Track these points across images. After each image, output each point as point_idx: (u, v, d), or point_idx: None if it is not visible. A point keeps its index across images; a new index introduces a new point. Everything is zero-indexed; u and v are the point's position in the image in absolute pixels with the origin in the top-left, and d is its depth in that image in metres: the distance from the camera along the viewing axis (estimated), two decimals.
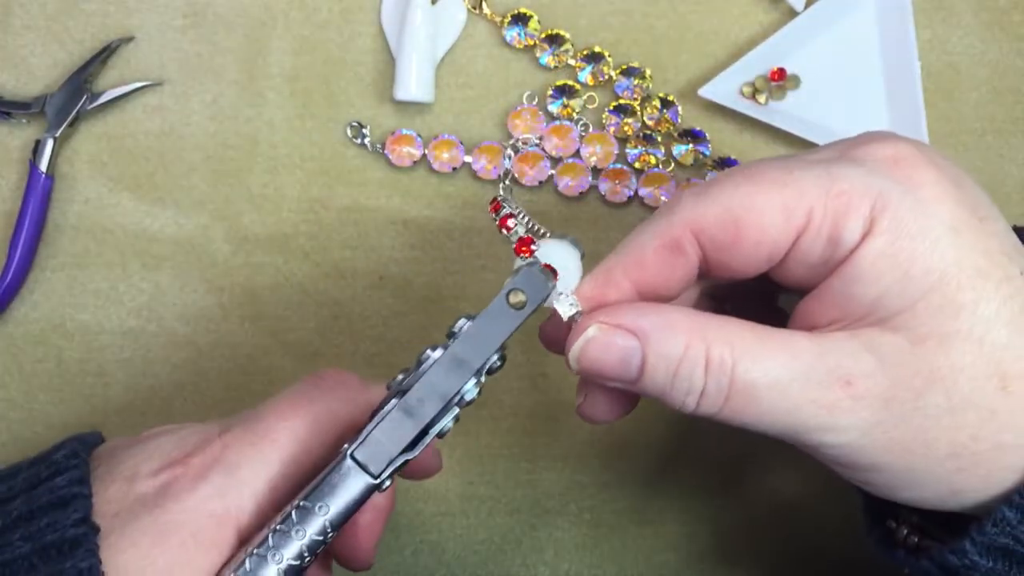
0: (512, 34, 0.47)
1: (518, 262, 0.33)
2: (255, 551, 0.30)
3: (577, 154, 0.47)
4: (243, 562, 0.30)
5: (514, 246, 0.32)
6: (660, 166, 0.47)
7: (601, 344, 0.31)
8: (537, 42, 0.47)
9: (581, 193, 0.47)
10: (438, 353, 0.32)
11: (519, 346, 0.47)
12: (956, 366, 0.29)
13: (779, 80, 0.47)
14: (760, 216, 0.30)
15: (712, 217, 0.30)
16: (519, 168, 0.47)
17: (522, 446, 0.47)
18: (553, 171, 0.47)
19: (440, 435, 0.32)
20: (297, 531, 0.30)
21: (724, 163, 0.47)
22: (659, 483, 0.47)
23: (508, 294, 0.32)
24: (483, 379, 0.32)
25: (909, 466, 0.30)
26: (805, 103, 0.47)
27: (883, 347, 0.29)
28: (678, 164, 0.47)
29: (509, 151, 0.47)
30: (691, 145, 0.47)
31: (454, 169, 0.47)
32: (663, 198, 0.47)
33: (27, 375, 0.46)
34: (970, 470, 0.30)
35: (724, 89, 0.47)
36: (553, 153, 0.47)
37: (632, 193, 0.47)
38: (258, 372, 0.47)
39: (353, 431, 0.32)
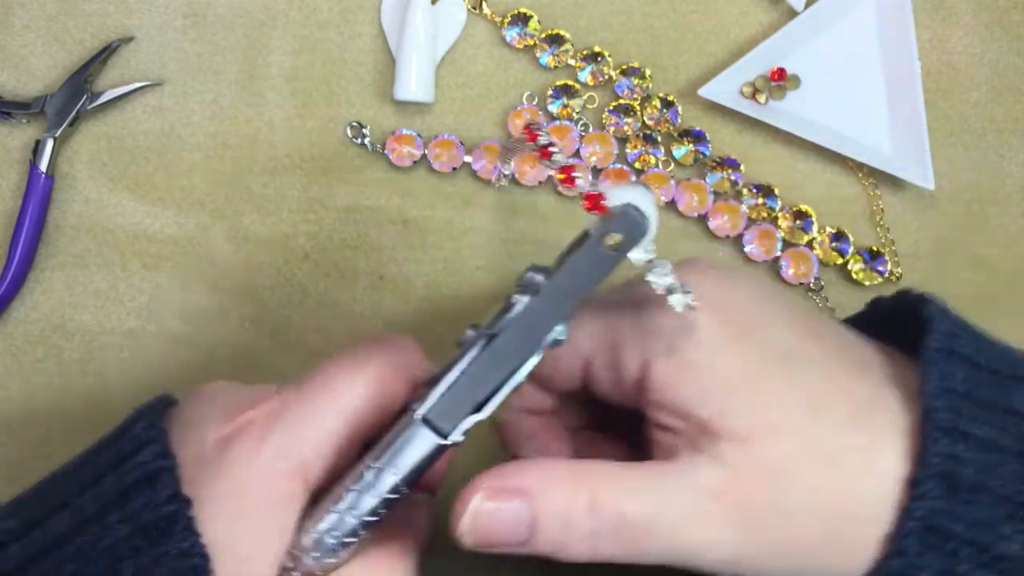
0: (512, 34, 0.47)
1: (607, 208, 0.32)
2: (332, 508, 0.31)
3: (577, 154, 0.47)
4: (321, 519, 0.31)
5: (584, 204, 0.32)
6: (660, 166, 0.47)
7: (489, 514, 0.31)
8: (537, 42, 0.47)
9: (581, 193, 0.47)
10: (526, 298, 0.31)
11: None
12: (787, 455, 0.31)
13: (779, 80, 0.47)
14: (570, 350, 0.34)
15: None
16: (519, 168, 0.47)
17: None
18: (552, 171, 0.47)
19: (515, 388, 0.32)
20: (371, 490, 0.31)
21: (724, 163, 0.47)
22: None
23: (604, 236, 0.31)
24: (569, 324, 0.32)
25: (789, 565, 0.32)
26: (805, 103, 0.47)
27: (725, 454, 0.31)
28: (678, 164, 0.47)
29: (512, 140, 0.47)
30: (691, 145, 0.47)
31: (454, 169, 0.47)
32: (663, 198, 0.47)
33: (27, 375, 0.46)
34: (841, 551, 0.31)
35: (724, 89, 0.47)
36: None
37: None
38: (258, 372, 0.47)
39: (414, 389, 0.33)
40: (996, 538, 0.31)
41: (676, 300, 0.31)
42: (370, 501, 0.31)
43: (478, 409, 0.31)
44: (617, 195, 0.31)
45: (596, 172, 0.47)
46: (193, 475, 0.31)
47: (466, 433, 0.31)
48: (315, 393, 0.33)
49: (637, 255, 0.31)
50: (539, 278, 0.31)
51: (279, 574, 0.31)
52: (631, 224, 0.31)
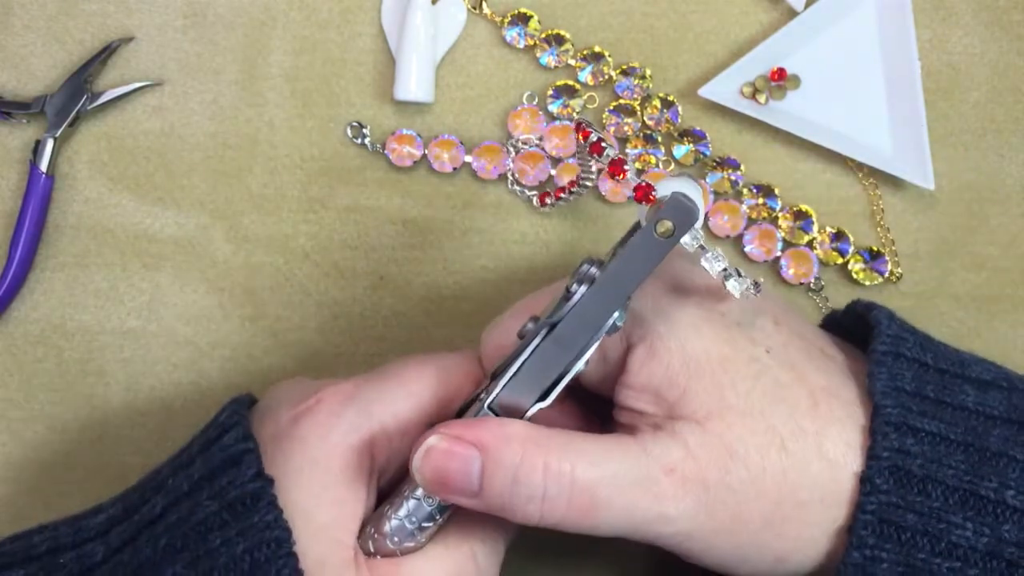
0: (512, 34, 0.47)
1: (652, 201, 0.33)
2: (410, 494, 0.34)
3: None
4: (400, 505, 0.34)
5: (633, 195, 0.33)
6: (660, 166, 0.47)
7: (442, 452, 0.32)
8: (537, 42, 0.47)
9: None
10: (584, 288, 0.33)
11: None
12: (741, 437, 0.32)
13: (779, 80, 0.47)
14: None
15: None
16: (520, 168, 0.47)
17: None
18: (553, 171, 0.47)
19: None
20: None
21: (724, 163, 0.47)
22: None
23: (656, 224, 0.32)
24: (627, 309, 0.34)
25: (736, 544, 0.33)
26: (805, 103, 0.47)
27: (684, 433, 0.33)
28: (678, 164, 0.47)
29: (510, 148, 0.47)
30: (691, 145, 0.47)
31: (454, 169, 0.47)
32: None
33: (27, 375, 0.46)
34: (785, 535, 0.33)
35: (724, 89, 0.47)
36: (553, 153, 0.47)
37: (632, 193, 0.47)
38: (258, 372, 0.47)
39: (478, 384, 0.36)
40: (949, 527, 0.32)
41: (733, 286, 0.33)
42: None
43: (543, 397, 0.33)
44: (665, 185, 0.33)
45: (597, 173, 0.47)
46: (273, 453, 0.34)
47: (532, 419, 0.33)
48: (386, 379, 0.36)
49: (688, 241, 0.32)
50: (594, 270, 0.33)
51: (357, 554, 0.34)
52: (682, 211, 0.32)
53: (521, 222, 0.47)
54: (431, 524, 0.34)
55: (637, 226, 0.33)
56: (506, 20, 0.47)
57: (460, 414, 0.35)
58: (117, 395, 0.46)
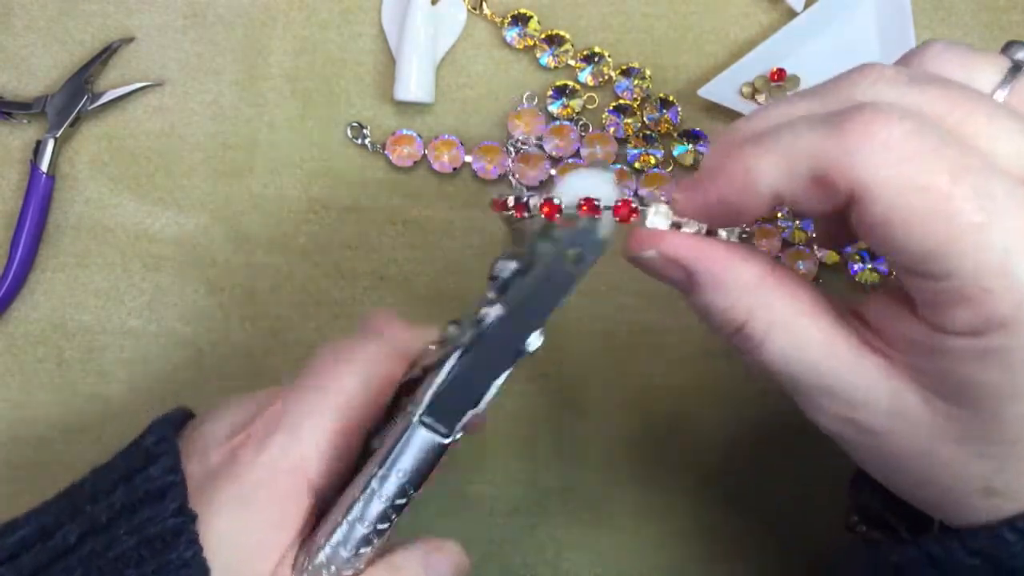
0: (512, 34, 0.48)
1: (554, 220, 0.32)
2: (341, 519, 0.32)
3: (577, 154, 0.47)
4: (332, 532, 0.31)
5: (543, 214, 0.31)
6: (660, 166, 0.47)
7: (657, 265, 0.31)
8: (537, 42, 0.48)
9: None
10: (496, 310, 0.31)
11: None
12: None
13: (779, 80, 0.47)
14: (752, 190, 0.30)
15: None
16: (520, 168, 0.47)
17: (522, 446, 0.47)
18: (553, 171, 0.47)
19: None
20: (377, 497, 0.31)
21: None
22: (659, 482, 0.47)
23: (564, 253, 0.31)
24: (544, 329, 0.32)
25: (954, 454, 0.29)
26: None
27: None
28: (678, 164, 0.47)
29: (510, 148, 0.47)
30: (691, 145, 0.47)
31: (455, 170, 0.47)
32: (663, 198, 0.47)
33: (27, 375, 0.46)
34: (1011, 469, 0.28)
35: (724, 89, 0.47)
36: (553, 153, 0.47)
37: (632, 193, 0.47)
38: (258, 372, 0.47)
39: (406, 370, 0.34)
40: None
41: (656, 218, 0.31)
42: (378, 507, 0.31)
43: (474, 404, 0.31)
44: (570, 184, 0.31)
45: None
46: (202, 486, 0.32)
47: (464, 428, 0.32)
48: (306, 393, 0.34)
49: (659, 222, 0.31)
50: (508, 273, 0.32)
51: None
52: (585, 239, 0.30)
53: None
54: (368, 548, 0.32)
55: (545, 231, 0.32)
56: (506, 20, 0.47)
57: (388, 417, 0.34)
58: (118, 395, 0.47)
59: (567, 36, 0.47)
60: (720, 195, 0.29)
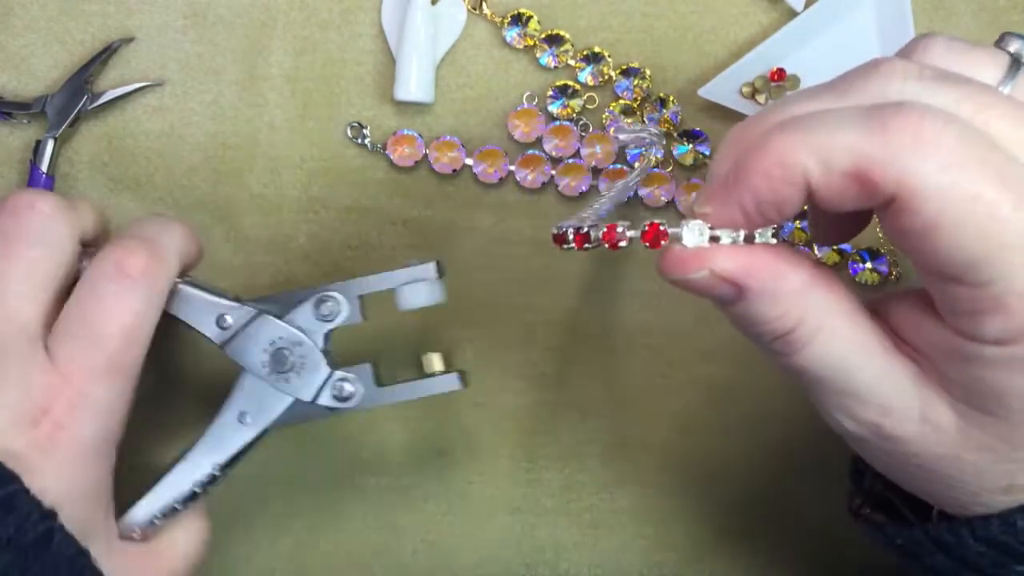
0: (512, 34, 0.47)
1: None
2: (156, 489, 0.39)
3: (577, 154, 0.47)
4: (150, 500, 0.39)
5: (605, 243, 0.30)
6: (660, 166, 0.47)
7: (706, 284, 0.30)
8: (537, 42, 0.47)
9: (581, 193, 0.47)
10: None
11: (519, 346, 0.47)
12: None
13: (779, 80, 0.47)
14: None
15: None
16: (521, 171, 0.47)
17: (522, 446, 0.47)
18: (553, 172, 0.47)
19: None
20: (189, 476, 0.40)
21: None
22: (659, 483, 0.47)
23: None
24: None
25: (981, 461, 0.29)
26: None
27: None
28: (678, 164, 0.48)
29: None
30: (691, 145, 0.47)
31: (455, 171, 0.47)
32: (663, 198, 0.47)
33: None
34: None
35: (724, 89, 0.47)
36: (553, 153, 0.47)
37: (632, 193, 0.47)
38: None
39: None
40: None
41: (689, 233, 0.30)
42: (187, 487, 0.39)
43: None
44: (406, 297, 0.41)
45: (596, 172, 0.47)
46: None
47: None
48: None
49: (692, 240, 0.29)
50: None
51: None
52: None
53: (521, 222, 0.47)
54: (178, 510, 0.39)
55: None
56: (506, 20, 0.47)
57: None
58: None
59: (567, 36, 0.47)
60: (756, 196, 0.28)
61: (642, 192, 0.47)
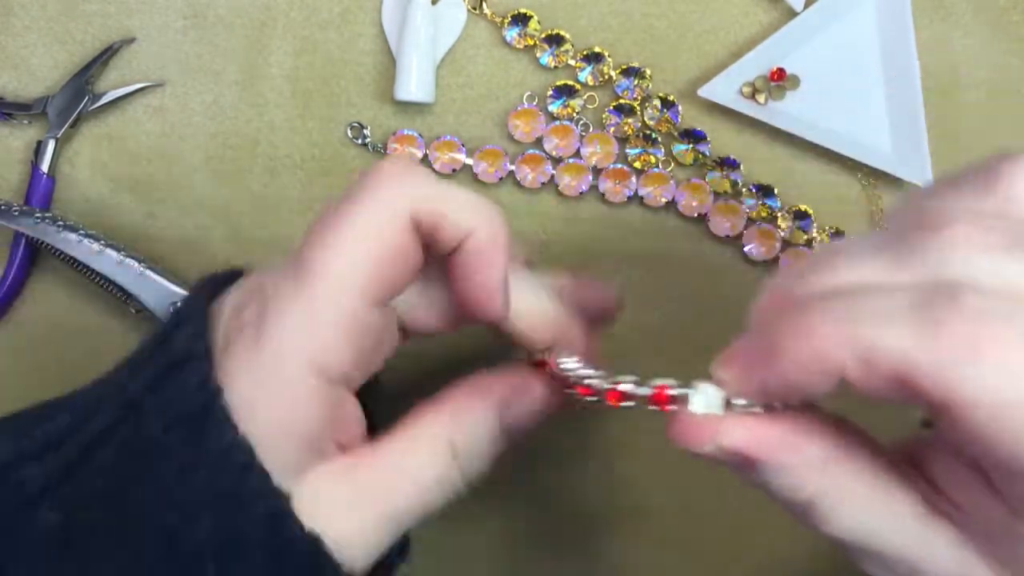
0: (512, 34, 0.48)
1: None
2: None
3: (577, 154, 0.47)
4: None
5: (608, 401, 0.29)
6: (660, 166, 0.47)
7: (709, 456, 0.29)
8: (537, 42, 0.48)
9: (581, 193, 0.47)
10: None
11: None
12: None
13: (779, 80, 0.47)
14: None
15: None
16: (521, 170, 0.47)
17: (521, 447, 0.47)
18: (553, 172, 0.47)
19: None
20: None
21: (724, 163, 0.47)
22: (658, 482, 0.47)
23: None
24: None
25: None
26: (804, 103, 0.47)
27: None
28: (678, 164, 0.48)
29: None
30: (691, 145, 0.47)
31: (454, 171, 0.47)
32: (663, 198, 0.47)
33: (28, 376, 0.46)
34: None
35: (724, 89, 0.47)
36: (553, 153, 0.47)
37: (632, 193, 0.47)
38: None
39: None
40: None
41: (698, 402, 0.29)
42: None
43: None
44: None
45: (596, 172, 0.47)
46: (221, 358, 0.29)
47: None
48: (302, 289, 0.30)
49: (700, 408, 0.28)
50: None
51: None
52: None
53: (521, 222, 0.47)
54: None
55: None
56: (506, 20, 0.47)
57: None
58: None
59: (567, 36, 0.47)
60: (784, 380, 0.26)
61: (643, 192, 0.47)
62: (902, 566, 0.28)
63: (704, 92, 0.46)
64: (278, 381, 0.28)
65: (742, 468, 0.28)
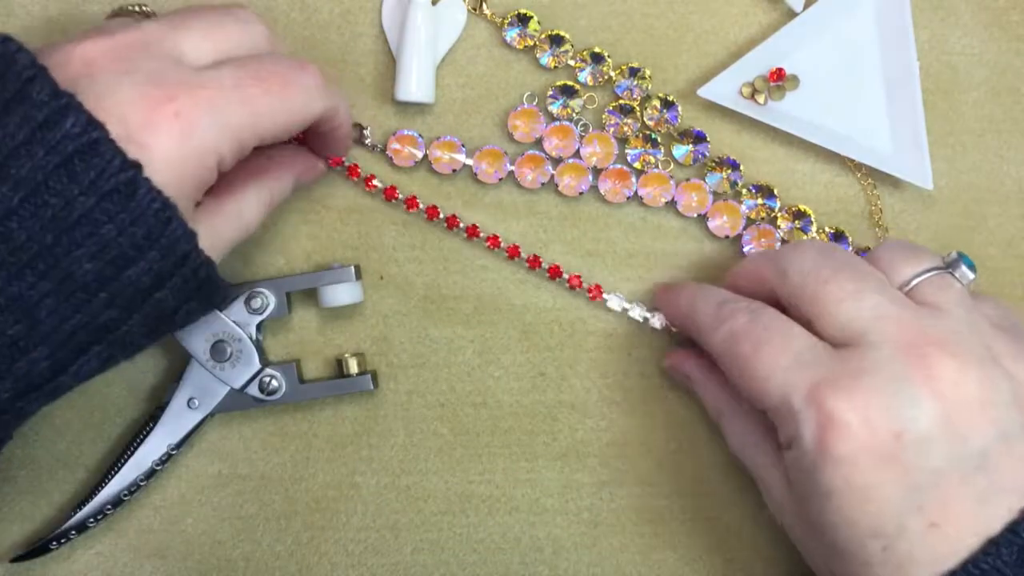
0: (512, 35, 0.48)
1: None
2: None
3: (577, 154, 0.47)
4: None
5: None
6: (660, 166, 0.47)
7: (670, 368, 0.47)
8: (537, 43, 0.48)
9: (581, 193, 0.47)
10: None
11: (519, 345, 0.47)
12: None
13: (778, 80, 0.47)
14: None
15: None
16: (521, 170, 0.47)
17: (522, 445, 0.47)
18: (553, 172, 0.47)
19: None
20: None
21: (724, 163, 0.47)
22: (658, 482, 0.47)
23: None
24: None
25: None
26: (804, 103, 0.47)
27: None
28: (678, 164, 0.48)
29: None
30: (691, 145, 0.47)
31: (454, 171, 0.47)
32: (663, 198, 0.47)
33: None
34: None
35: (724, 89, 0.47)
36: (553, 153, 0.47)
37: (632, 193, 0.47)
38: None
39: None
40: None
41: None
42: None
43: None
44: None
45: (596, 172, 0.47)
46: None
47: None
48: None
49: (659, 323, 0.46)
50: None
51: None
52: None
53: (521, 222, 0.48)
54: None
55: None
56: (506, 21, 0.47)
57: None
58: (119, 396, 0.47)
59: (567, 36, 0.47)
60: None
61: (642, 192, 0.47)
62: (755, 477, 0.42)
63: (704, 92, 0.46)
64: (193, 155, 0.35)
65: (685, 383, 0.46)
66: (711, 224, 0.47)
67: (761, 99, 0.47)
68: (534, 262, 0.47)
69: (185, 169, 0.35)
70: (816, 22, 0.47)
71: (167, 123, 0.34)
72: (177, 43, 0.37)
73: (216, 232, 0.39)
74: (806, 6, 0.47)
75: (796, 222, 0.47)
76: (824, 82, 0.47)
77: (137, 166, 0.33)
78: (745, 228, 0.47)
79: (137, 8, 0.44)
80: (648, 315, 0.47)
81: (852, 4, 0.47)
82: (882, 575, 0.35)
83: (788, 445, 0.37)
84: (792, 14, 0.48)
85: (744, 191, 0.47)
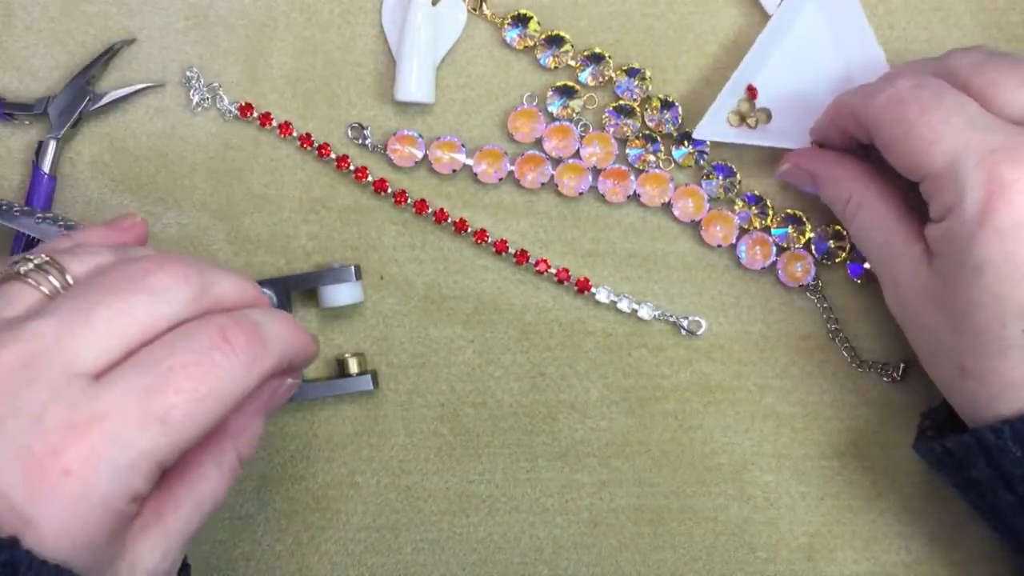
0: (512, 35, 0.48)
1: None
2: None
3: (577, 154, 0.47)
4: None
5: None
6: (660, 166, 0.47)
7: (789, 173, 0.46)
8: (537, 43, 0.48)
9: (581, 193, 0.47)
10: None
11: (519, 345, 0.47)
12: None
13: (755, 98, 0.47)
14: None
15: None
16: (521, 171, 0.47)
17: (521, 445, 0.47)
18: (553, 172, 0.47)
19: None
20: None
21: (719, 170, 0.47)
22: (657, 482, 0.47)
23: None
24: None
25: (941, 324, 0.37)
26: (791, 117, 0.46)
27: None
28: (678, 165, 0.48)
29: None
30: (690, 147, 0.47)
31: (454, 171, 0.47)
32: (661, 199, 0.47)
33: None
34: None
35: (714, 126, 0.46)
36: (553, 154, 0.47)
37: (631, 193, 0.47)
38: None
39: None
40: None
41: None
42: None
43: None
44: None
45: (596, 172, 0.47)
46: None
47: None
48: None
49: None
50: None
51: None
52: None
53: (521, 222, 0.48)
54: None
55: None
56: (506, 21, 0.48)
57: None
58: None
59: (567, 37, 0.47)
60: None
61: (642, 192, 0.47)
62: (883, 269, 0.41)
63: (698, 134, 0.46)
64: (95, 510, 0.30)
65: (804, 185, 0.46)
66: (705, 234, 0.47)
67: (752, 123, 0.47)
68: (521, 257, 0.47)
69: (87, 528, 0.29)
70: (774, 37, 0.46)
71: (56, 487, 0.29)
72: (72, 346, 0.31)
73: (167, 535, 0.33)
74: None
75: (791, 227, 0.47)
76: (799, 93, 0.46)
77: (15, 543, 0.28)
78: (738, 238, 0.47)
79: (62, 223, 0.43)
80: (636, 307, 0.47)
81: (796, 9, 0.46)
82: (1021, 360, 0.34)
83: (943, 216, 0.36)
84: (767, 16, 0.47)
85: (739, 202, 0.47)
